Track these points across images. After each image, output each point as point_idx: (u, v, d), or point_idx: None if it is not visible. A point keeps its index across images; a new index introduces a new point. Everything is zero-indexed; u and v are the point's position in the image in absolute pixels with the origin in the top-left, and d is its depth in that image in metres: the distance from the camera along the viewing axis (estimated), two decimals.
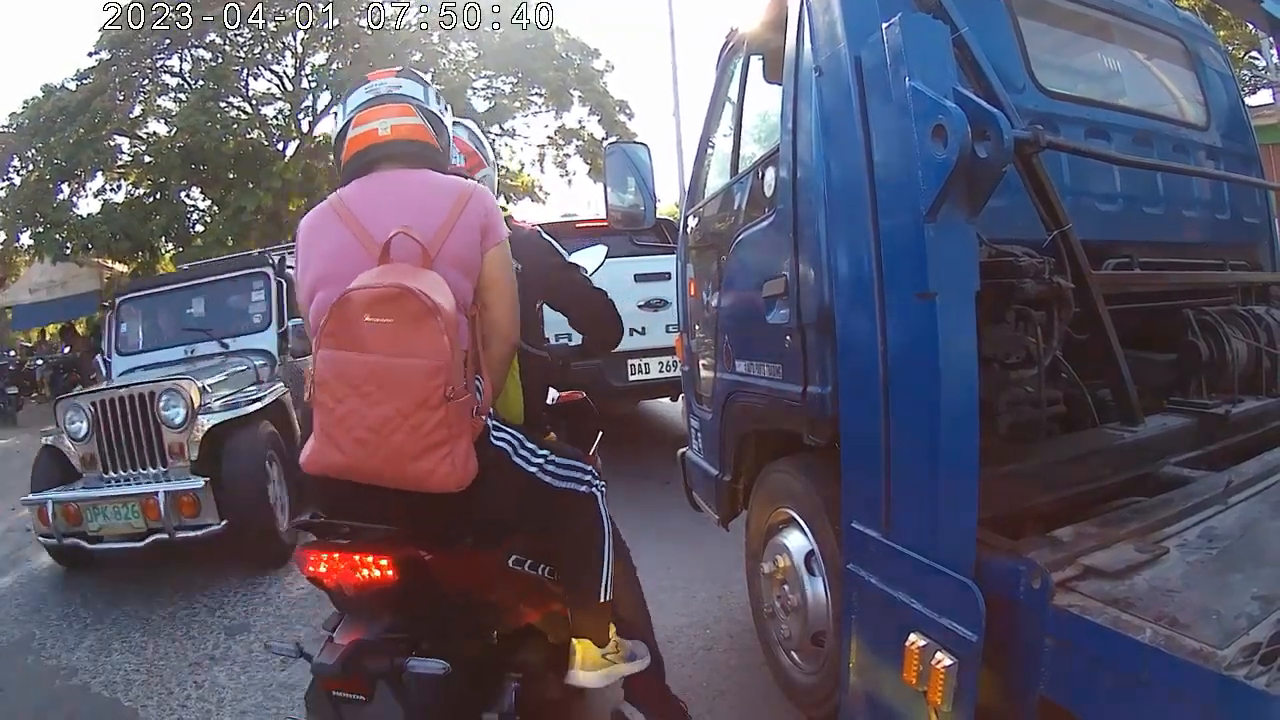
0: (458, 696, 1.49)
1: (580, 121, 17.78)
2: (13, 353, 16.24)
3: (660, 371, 5.16)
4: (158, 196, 16.85)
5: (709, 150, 2.90)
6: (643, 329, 5.10)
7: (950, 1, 1.69)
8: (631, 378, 5.07)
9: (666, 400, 6.89)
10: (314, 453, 1.44)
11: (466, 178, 1.74)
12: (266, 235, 15.57)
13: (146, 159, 16.93)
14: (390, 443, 1.38)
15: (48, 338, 18.63)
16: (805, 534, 2.10)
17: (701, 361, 2.76)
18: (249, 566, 4.16)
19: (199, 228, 16.97)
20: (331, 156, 1.91)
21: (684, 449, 3.04)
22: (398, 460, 1.38)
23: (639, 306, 5.12)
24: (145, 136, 17.26)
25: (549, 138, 18.09)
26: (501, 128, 17.71)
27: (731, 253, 2.34)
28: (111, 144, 16.33)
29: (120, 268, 17.28)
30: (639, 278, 5.19)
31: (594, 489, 1.75)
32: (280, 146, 17.36)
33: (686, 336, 2.95)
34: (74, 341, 15.93)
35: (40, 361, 15.13)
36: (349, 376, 1.40)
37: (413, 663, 1.44)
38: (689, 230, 2.92)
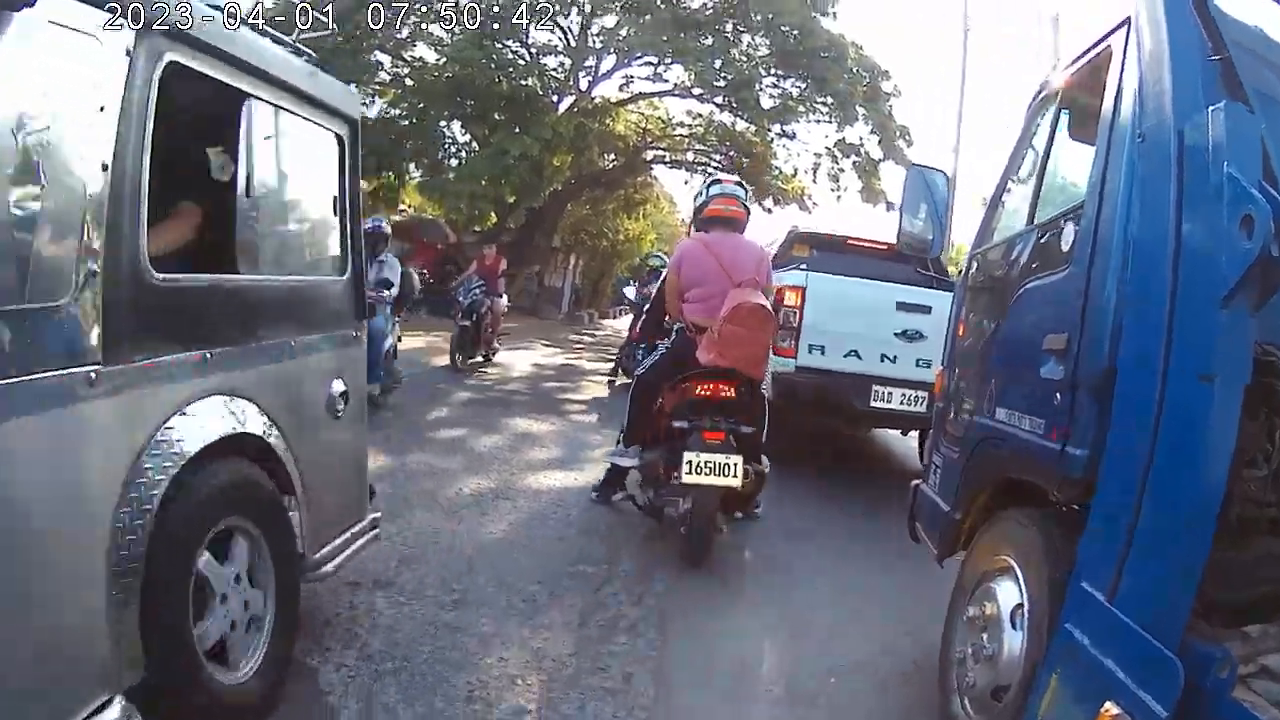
0: (750, 446, 3.62)
1: (860, 139, 17.22)
2: None
3: (901, 403, 5.08)
4: (414, 121, 16.28)
5: (1004, 195, 2.88)
6: (894, 357, 5.06)
7: (1253, 96, 1.63)
8: (873, 403, 5.06)
9: (896, 433, 6.73)
10: (714, 358, 3.45)
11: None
12: (525, 183, 15.26)
13: (408, 82, 16.53)
14: (753, 359, 3.52)
15: None
16: (1019, 585, 2.09)
17: (958, 402, 2.78)
18: (432, 506, 4.02)
19: (453, 161, 16.76)
20: (699, 206, 4.00)
21: (918, 481, 3.07)
22: (753, 365, 3.55)
23: (895, 335, 5.08)
24: (410, 60, 16.88)
25: (826, 149, 17.67)
26: (782, 129, 17.65)
27: (1015, 300, 2.35)
28: (371, 59, 15.93)
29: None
30: (901, 306, 5.15)
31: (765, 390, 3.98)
32: (555, 99, 17.07)
33: (948, 373, 2.97)
34: None
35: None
36: (739, 339, 3.41)
37: (744, 428, 3.54)
38: (972, 270, 2.93)
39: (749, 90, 16.02)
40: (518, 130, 14.78)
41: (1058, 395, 1.99)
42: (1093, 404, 1.83)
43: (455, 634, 2.69)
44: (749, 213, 3.91)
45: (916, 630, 3.14)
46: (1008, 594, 2.13)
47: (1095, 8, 2.35)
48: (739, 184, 3.99)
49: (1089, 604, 1.58)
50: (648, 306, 4.54)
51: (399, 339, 6.81)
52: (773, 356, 4.90)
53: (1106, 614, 1.51)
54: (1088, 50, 2.28)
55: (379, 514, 2.91)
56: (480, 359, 9.51)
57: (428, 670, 2.45)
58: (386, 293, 6.06)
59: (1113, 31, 2.05)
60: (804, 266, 5.43)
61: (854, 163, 17.28)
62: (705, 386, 3.50)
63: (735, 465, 3.34)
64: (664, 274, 4.29)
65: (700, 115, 19.26)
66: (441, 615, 2.82)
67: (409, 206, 19.91)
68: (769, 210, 19.14)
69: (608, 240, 24.94)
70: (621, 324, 19.97)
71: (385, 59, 16.82)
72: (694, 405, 3.51)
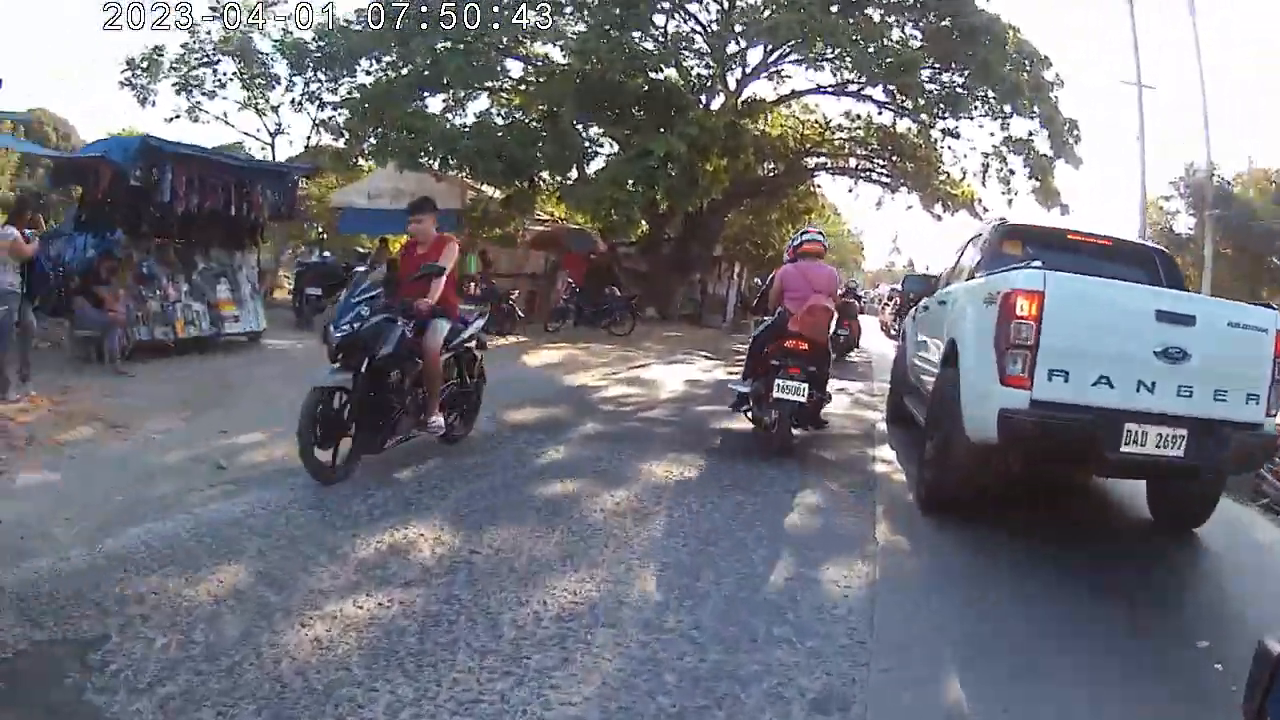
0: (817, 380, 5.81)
1: (1030, 133, 15.38)
2: (330, 255, 14.52)
3: (1157, 447, 3.63)
4: (544, 124, 14.84)
5: None
6: (1152, 385, 3.63)
7: None
8: (1124, 447, 3.63)
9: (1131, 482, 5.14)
10: (798, 330, 5.72)
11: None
12: (677, 188, 13.80)
13: (538, 81, 15.44)
14: (819, 334, 5.85)
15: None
16: None
17: None
18: (487, 647, 2.56)
19: (594, 165, 15.52)
20: (796, 245, 6.56)
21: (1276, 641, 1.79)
22: (820, 336, 5.85)
23: (1155, 354, 3.65)
24: (533, 59, 15.90)
25: (994, 147, 15.97)
26: (945, 128, 16.28)
27: None
28: (487, 60, 14.77)
29: (490, 191, 15.55)
30: (1161, 315, 3.70)
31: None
32: (702, 99, 15.91)
33: None
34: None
35: (360, 270, 13.05)
36: (812, 323, 5.76)
37: (811, 367, 5.72)
38: None
39: (910, 74, 14.44)
40: (662, 130, 13.59)
41: None
42: None
43: None
44: (827, 248, 6.52)
45: None
46: None
47: None
48: (819, 231, 6.86)
49: None
50: (759, 294, 7.36)
51: None
52: (1000, 387, 3.75)
53: None
54: None
55: None
56: (413, 435, 4.70)
57: None
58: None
59: None
60: (1038, 264, 3.92)
61: (1024, 161, 15.49)
62: (791, 342, 5.69)
63: (804, 388, 5.51)
64: (770, 279, 6.73)
65: (859, 116, 18.16)
66: None
67: (554, 215, 18.90)
68: (939, 217, 17.80)
69: (774, 250, 23.63)
70: None
71: (516, 65, 16.16)
72: (784, 353, 5.68)
